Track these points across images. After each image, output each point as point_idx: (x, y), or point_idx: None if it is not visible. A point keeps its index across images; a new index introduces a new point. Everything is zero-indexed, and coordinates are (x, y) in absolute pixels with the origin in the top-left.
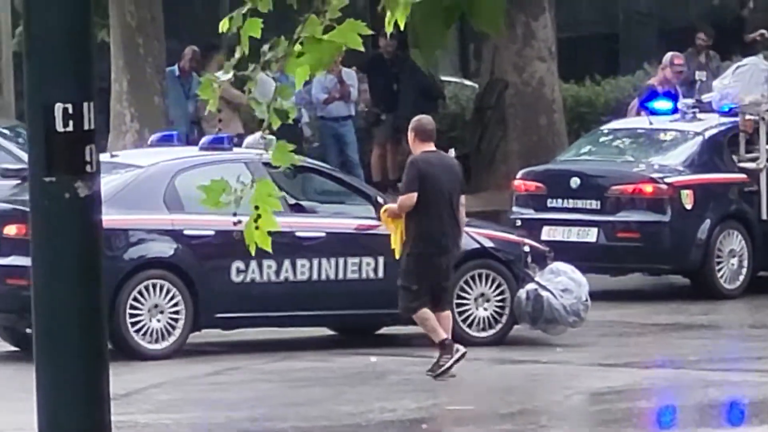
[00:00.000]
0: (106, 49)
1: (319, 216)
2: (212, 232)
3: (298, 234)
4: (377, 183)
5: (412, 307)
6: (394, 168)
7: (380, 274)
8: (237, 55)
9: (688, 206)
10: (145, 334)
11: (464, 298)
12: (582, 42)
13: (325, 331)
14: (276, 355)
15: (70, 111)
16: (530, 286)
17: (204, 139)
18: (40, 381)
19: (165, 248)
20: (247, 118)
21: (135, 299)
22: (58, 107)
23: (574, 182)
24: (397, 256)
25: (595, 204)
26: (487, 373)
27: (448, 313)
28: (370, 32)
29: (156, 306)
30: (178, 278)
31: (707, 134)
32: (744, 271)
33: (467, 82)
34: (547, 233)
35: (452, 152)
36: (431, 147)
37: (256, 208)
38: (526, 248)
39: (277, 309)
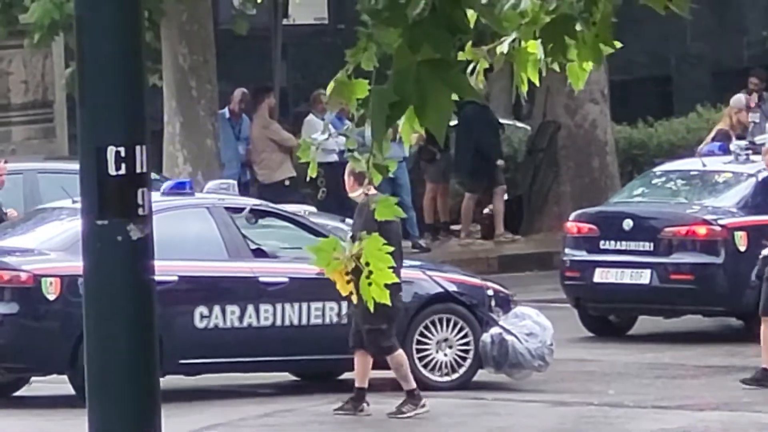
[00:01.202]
0: (159, 91)
1: (282, 261)
2: (176, 278)
3: (261, 279)
4: (429, 225)
5: (386, 347)
6: (445, 210)
7: (344, 319)
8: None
9: (742, 248)
10: None
11: (426, 343)
12: (635, 84)
13: (377, 374)
14: (329, 396)
15: (123, 154)
16: (495, 330)
17: (166, 185)
18: (93, 424)
19: None
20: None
21: None
22: (111, 150)
23: (627, 224)
24: (354, 301)
25: (648, 246)
26: (540, 415)
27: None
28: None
29: None
30: None
31: (761, 176)
32: None
33: (519, 124)
34: (600, 275)
35: (505, 196)
36: (371, 188)
37: (368, 264)
38: (490, 292)
39: (241, 355)
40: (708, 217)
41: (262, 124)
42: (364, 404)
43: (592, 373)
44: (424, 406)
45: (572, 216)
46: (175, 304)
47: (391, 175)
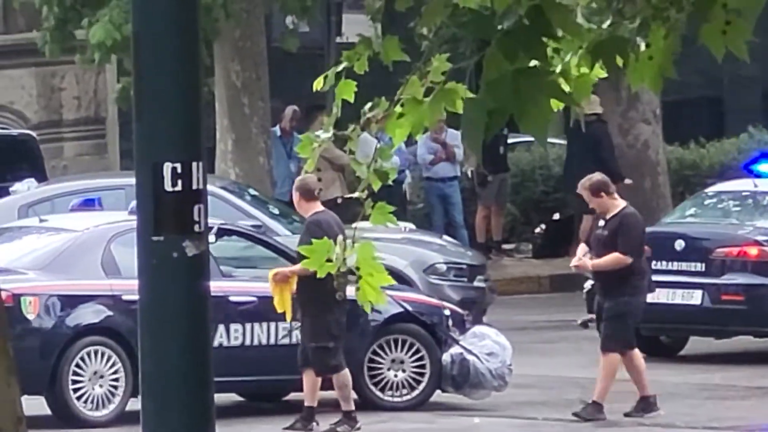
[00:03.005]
0: (211, 108)
1: (252, 280)
2: None
3: (231, 299)
4: (481, 244)
5: (332, 365)
6: (497, 229)
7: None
8: (333, 113)
9: None
10: (86, 401)
11: (378, 362)
12: (686, 105)
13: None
14: (381, 415)
15: (179, 170)
16: (455, 350)
17: (133, 204)
18: None
19: (105, 314)
20: (353, 179)
21: (77, 365)
22: (167, 166)
23: (679, 244)
24: (288, 319)
25: (699, 266)
26: None
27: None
28: (471, 95)
29: (97, 373)
30: (117, 344)
31: None
32: None
33: None
34: (652, 295)
35: (557, 216)
36: (319, 207)
37: (358, 269)
38: (447, 312)
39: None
40: (760, 237)
41: None
42: (314, 423)
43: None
44: (359, 429)
45: None
46: None
47: (443, 193)
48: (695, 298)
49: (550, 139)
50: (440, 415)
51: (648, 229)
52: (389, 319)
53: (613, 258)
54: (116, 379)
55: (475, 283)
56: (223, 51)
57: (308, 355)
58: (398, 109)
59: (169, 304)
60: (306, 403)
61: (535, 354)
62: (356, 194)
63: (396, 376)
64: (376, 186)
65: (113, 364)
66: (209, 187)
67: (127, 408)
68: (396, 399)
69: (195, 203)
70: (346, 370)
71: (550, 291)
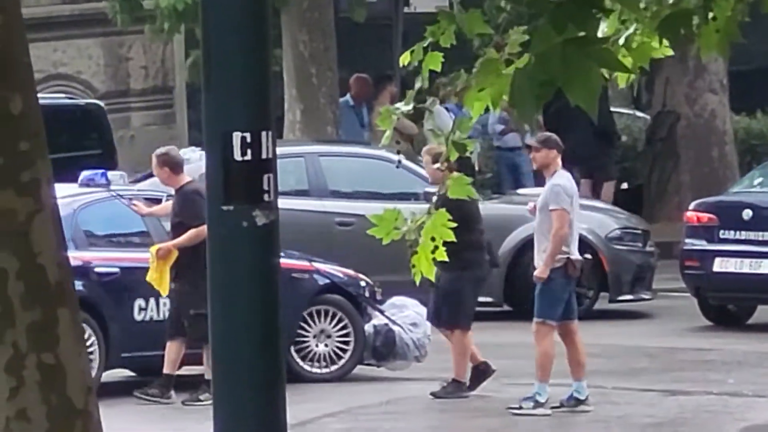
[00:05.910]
0: (279, 78)
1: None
2: (118, 270)
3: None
4: None
5: (207, 333)
6: None
7: None
8: (417, 86)
9: None
10: None
11: (304, 334)
12: (754, 74)
13: (496, 361)
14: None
15: (248, 140)
16: (378, 320)
17: (82, 176)
18: (219, 410)
19: (80, 287)
20: (421, 148)
21: None
22: (237, 136)
23: (747, 214)
24: (164, 294)
25: (767, 236)
26: (659, 404)
27: None
28: None
29: None
30: (91, 317)
31: None
32: None
33: (639, 114)
34: (719, 265)
35: (625, 185)
36: (187, 177)
37: (432, 239)
38: (363, 283)
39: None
40: None
41: None
42: (172, 392)
43: (711, 362)
44: (169, 397)
45: (692, 205)
46: (119, 296)
47: (514, 162)
48: (763, 267)
49: (618, 109)
50: (508, 384)
51: (715, 199)
52: (318, 290)
53: None
54: (90, 352)
55: (647, 248)
56: (291, 21)
57: (181, 325)
58: (478, 81)
59: (238, 273)
60: (166, 371)
61: (599, 323)
62: (436, 165)
63: (318, 346)
64: (454, 157)
65: (87, 337)
66: (390, 156)
67: (101, 381)
68: (317, 371)
69: (265, 172)
70: None
71: None
